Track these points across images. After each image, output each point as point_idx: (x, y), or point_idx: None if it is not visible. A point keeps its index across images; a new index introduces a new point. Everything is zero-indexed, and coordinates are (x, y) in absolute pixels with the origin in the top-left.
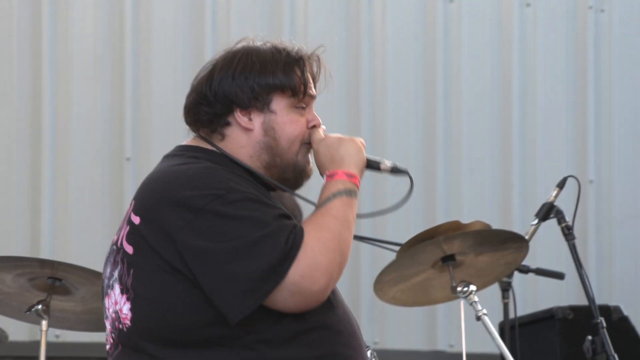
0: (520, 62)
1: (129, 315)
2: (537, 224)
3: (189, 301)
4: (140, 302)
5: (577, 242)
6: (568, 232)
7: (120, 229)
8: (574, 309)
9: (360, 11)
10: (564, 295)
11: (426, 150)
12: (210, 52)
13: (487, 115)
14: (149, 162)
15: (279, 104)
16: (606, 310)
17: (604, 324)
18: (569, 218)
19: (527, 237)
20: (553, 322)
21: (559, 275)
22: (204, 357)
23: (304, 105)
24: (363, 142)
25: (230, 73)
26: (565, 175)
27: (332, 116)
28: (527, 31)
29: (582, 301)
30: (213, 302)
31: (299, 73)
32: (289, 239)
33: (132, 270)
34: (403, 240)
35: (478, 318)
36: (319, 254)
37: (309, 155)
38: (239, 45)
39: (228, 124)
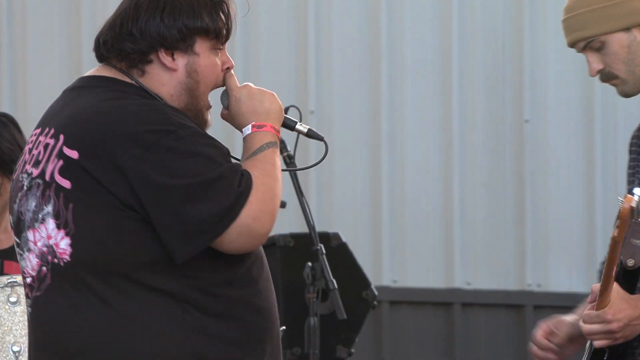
0: None
1: (68, 250)
2: None
3: (136, 238)
4: (82, 237)
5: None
6: (290, 162)
7: (40, 162)
8: (294, 236)
9: None
10: (285, 223)
11: None
12: None
13: None
14: None
15: (202, 47)
16: (325, 237)
17: (324, 251)
18: (290, 148)
19: None
20: (274, 250)
21: (280, 204)
22: (144, 297)
23: (221, 48)
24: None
25: (159, 13)
26: (287, 105)
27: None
28: None
29: (304, 229)
30: (162, 239)
31: (222, 16)
32: (241, 182)
33: (71, 205)
34: None
35: None
36: (268, 198)
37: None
38: None
39: (150, 61)
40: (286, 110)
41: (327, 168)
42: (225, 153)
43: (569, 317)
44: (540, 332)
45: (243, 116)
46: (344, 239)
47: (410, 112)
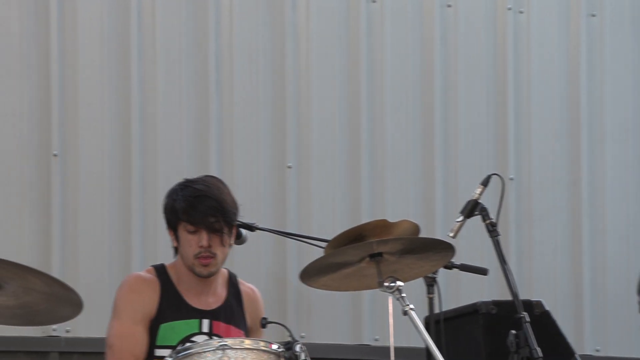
0: (441, 62)
1: None
2: (462, 220)
3: None
4: None
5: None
6: (492, 229)
7: None
8: (497, 303)
9: (284, 12)
10: (486, 290)
11: (350, 147)
12: (137, 48)
13: (410, 112)
14: (76, 158)
15: None
16: (528, 305)
17: (527, 319)
18: (492, 215)
19: (452, 234)
20: (477, 317)
21: (483, 271)
22: None
23: None
24: None
25: None
26: (487, 173)
27: (257, 112)
28: (449, 31)
29: (504, 296)
30: None
31: None
32: None
33: None
34: (329, 236)
35: (405, 313)
36: None
37: None
38: None
39: None
40: (488, 178)
41: (526, 235)
42: None
43: None
44: None
45: None
46: (546, 307)
47: (611, 179)
